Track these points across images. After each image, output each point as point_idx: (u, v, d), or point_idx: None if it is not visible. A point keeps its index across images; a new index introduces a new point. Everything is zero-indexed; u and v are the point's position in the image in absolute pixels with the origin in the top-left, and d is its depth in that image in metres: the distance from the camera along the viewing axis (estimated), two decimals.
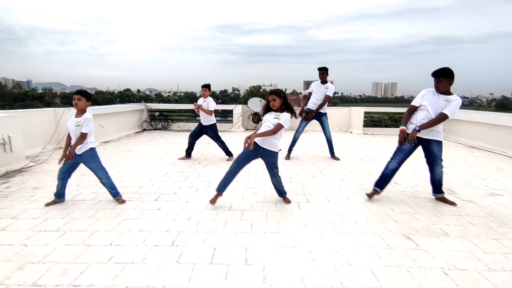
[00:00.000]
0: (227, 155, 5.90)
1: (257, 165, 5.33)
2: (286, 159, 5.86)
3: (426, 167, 3.62)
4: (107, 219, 3.07)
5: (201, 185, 4.20)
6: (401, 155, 3.56)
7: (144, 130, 10.04)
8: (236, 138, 8.34)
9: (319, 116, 5.86)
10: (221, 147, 5.90)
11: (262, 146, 3.32)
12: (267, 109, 3.36)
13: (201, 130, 5.81)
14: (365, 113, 10.24)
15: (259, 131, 3.29)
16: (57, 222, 2.98)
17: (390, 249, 2.53)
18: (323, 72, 5.72)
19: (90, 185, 4.12)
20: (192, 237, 2.71)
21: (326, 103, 5.76)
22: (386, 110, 12.11)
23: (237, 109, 10.15)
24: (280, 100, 3.26)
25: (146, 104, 10.41)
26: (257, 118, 10.35)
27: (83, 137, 3.27)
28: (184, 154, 5.90)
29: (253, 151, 3.33)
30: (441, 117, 3.28)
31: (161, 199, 3.66)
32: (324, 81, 5.74)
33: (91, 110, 7.37)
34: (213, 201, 3.42)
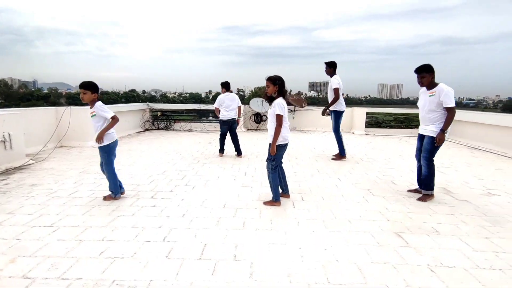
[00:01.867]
0: (238, 153, 6.03)
1: (256, 164, 5.36)
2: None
3: None
4: (101, 215, 3.11)
5: (198, 183, 4.23)
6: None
7: (147, 129, 10.12)
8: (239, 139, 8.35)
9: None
10: (234, 144, 6.01)
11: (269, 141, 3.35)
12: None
13: (229, 128, 5.95)
14: (367, 113, 10.23)
15: (269, 133, 3.34)
16: (52, 218, 3.02)
17: (380, 246, 2.53)
18: (325, 66, 5.66)
19: (88, 182, 4.18)
20: (184, 234, 2.73)
21: (339, 97, 5.51)
22: (388, 111, 12.04)
23: None
24: (274, 87, 3.22)
25: (149, 104, 10.49)
26: (258, 118, 10.37)
27: (113, 120, 3.35)
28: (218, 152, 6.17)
29: (284, 149, 3.39)
30: (451, 111, 3.39)
31: (157, 196, 3.70)
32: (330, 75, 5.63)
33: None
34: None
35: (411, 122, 11.49)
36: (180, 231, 2.78)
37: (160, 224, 2.92)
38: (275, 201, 3.44)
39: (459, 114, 8.75)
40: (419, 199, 3.66)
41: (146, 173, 4.76)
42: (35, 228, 2.81)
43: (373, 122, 10.93)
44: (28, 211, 3.19)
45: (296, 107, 10.15)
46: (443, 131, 3.41)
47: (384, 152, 6.86)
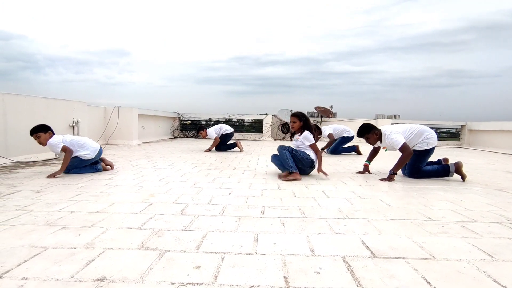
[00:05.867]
0: None
1: None
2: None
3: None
4: (200, 176, 3.23)
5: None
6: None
7: (175, 137, 10.31)
8: (266, 148, 8.56)
9: None
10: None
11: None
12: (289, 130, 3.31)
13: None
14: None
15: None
16: (154, 177, 3.14)
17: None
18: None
19: (155, 160, 4.30)
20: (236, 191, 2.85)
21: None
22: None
23: (267, 119, 10.47)
24: (300, 123, 3.35)
25: (179, 112, 10.77)
26: (286, 128, 10.61)
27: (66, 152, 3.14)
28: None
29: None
30: (402, 151, 3.25)
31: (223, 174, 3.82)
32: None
33: (138, 110, 7.67)
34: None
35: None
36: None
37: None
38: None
39: None
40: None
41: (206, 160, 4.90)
42: (146, 182, 2.93)
43: None
44: (128, 173, 3.32)
45: (323, 117, 10.47)
46: (393, 173, 3.24)
47: None
